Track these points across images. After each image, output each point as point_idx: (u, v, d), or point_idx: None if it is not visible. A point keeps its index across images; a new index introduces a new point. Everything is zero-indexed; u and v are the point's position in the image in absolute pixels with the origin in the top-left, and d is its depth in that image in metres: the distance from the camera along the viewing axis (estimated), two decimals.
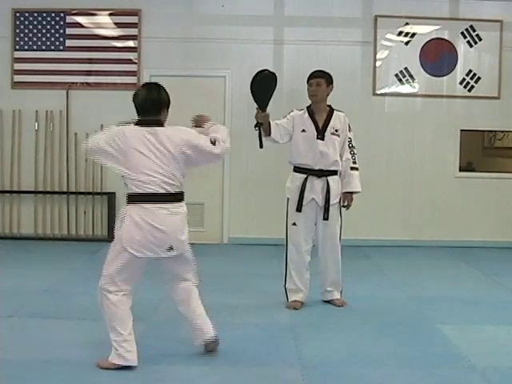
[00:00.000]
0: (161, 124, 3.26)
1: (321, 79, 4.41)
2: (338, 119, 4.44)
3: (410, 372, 3.30)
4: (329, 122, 4.40)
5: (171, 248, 3.21)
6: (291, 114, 4.49)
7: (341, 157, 4.43)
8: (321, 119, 4.42)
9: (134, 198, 3.17)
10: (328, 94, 4.46)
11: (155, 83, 3.39)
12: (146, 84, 3.50)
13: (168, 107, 3.32)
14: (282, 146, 4.58)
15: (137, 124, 3.24)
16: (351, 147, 4.47)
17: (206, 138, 3.28)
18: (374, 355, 3.52)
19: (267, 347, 3.61)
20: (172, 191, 3.20)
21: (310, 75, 4.48)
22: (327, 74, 4.47)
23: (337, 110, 4.48)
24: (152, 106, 3.24)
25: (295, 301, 4.45)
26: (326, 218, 4.39)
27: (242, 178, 7.01)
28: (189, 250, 3.37)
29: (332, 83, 4.47)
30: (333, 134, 4.40)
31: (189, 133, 3.28)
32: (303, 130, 4.41)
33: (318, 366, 3.35)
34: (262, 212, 6.86)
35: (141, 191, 3.15)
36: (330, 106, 4.48)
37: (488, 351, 3.63)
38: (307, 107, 4.48)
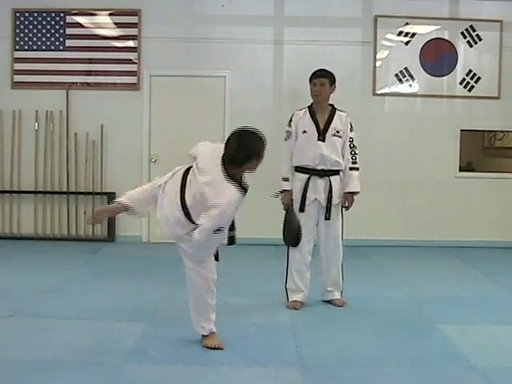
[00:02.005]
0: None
1: (325, 79, 4.38)
2: (339, 120, 4.40)
3: (409, 372, 3.30)
4: (330, 123, 4.37)
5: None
6: (292, 119, 4.45)
7: (342, 156, 4.41)
8: (322, 119, 4.39)
9: None
10: (331, 93, 4.44)
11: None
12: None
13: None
14: (282, 145, 4.56)
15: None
16: (352, 147, 4.42)
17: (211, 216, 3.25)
18: (374, 355, 3.51)
19: (267, 347, 3.61)
20: None
21: (314, 74, 4.44)
22: (330, 73, 4.43)
23: (339, 110, 4.45)
24: None
25: (295, 301, 4.44)
26: (327, 218, 4.38)
27: None
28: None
29: (335, 82, 4.44)
30: (334, 135, 4.36)
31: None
32: (304, 131, 4.38)
33: (318, 365, 3.35)
34: (261, 212, 6.84)
35: None
36: (332, 106, 4.45)
37: (488, 351, 3.63)
38: (309, 106, 4.45)
